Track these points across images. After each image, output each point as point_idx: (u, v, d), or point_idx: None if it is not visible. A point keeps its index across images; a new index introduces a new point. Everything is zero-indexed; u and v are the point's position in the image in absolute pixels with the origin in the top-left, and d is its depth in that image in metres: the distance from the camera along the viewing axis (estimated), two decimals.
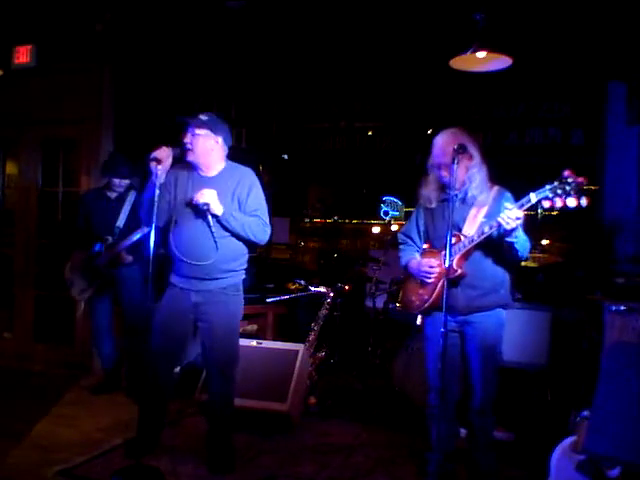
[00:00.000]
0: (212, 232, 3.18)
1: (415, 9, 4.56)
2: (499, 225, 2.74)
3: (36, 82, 5.37)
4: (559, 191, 2.57)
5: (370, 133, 6.94)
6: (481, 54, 4.08)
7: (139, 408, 3.45)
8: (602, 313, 4.08)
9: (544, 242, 6.68)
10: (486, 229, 2.82)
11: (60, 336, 5.46)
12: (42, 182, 5.53)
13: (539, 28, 4.58)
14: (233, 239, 3.25)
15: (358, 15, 4.74)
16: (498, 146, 6.06)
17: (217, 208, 3.13)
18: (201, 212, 3.17)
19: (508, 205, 2.74)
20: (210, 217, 3.16)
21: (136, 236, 4.26)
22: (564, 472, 2.64)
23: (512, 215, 2.68)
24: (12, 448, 3.50)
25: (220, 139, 3.29)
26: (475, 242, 2.87)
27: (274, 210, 7.21)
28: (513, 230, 2.74)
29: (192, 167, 3.31)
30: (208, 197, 3.11)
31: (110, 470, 3.19)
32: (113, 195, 4.52)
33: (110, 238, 4.40)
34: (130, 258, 4.40)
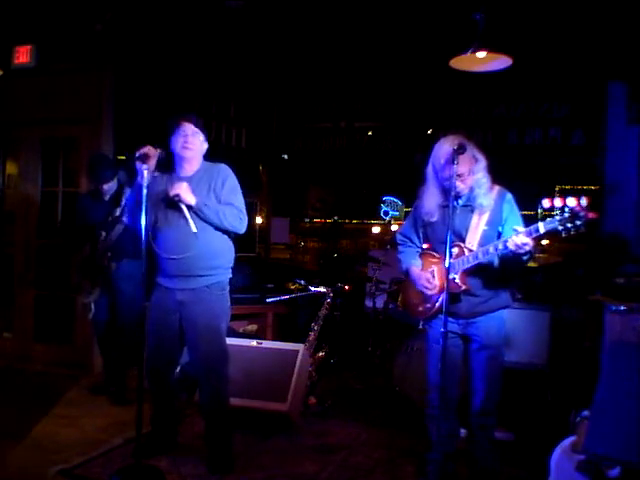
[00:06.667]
0: (189, 224, 3.18)
1: (415, 9, 4.56)
2: (505, 248, 2.75)
3: (36, 82, 5.36)
4: (569, 224, 2.58)
5: (370, 133, 6.96)
6: (481, 54, 4.08)
7: (152, 408, 3.46)
8: (602, 313, 4.08)
9: (544, 242, 6.67)
10: (491, 250, 2.82)
11: (60, 336, 5.46)
12: (42, 182, 5.52)
13: (539, 28, 4.58)
14: (214, 232, 3.25)
15: (358, 15, 4.74)
16: (498, 146, 6.07)
17: (189, 198, 3.15)
18: (177, 206, 3.19)
19: (518, 228, 2.74)
20: (185, 208, 3.18)
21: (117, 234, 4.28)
22: (564, 472, 2.64)
23: (519, 242, 2.68)
24: (12, 448, 3.50)
25: (204, 138, 3.37)
26: (479, 261, 2.87)
27: (274, 210, 7.31)
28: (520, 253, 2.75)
29: (172, 169, 3.34)
30: (177, 189, 3.15)
31: (110, 470, 3.20)
32: (107, 197, 4.52)
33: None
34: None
